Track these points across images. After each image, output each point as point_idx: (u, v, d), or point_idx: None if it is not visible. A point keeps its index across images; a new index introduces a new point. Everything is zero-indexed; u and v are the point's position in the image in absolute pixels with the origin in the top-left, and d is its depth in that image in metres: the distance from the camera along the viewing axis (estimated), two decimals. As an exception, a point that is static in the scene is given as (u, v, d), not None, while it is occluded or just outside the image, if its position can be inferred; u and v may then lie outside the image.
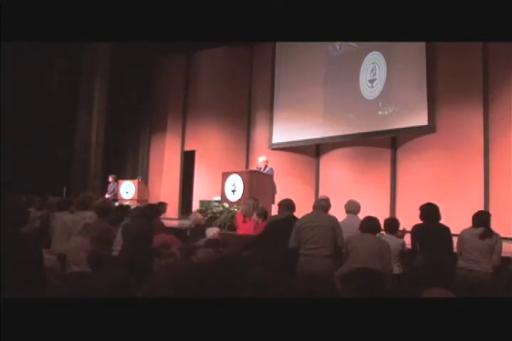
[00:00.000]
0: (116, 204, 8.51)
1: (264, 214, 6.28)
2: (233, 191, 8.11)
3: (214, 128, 12.37)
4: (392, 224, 4.97)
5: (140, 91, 13.36)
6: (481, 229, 4.36)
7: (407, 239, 4.86)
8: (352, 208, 5.30)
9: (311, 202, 5.30)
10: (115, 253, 4.72)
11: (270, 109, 11.73)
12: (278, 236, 4.82)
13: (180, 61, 13.29)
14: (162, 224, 6.21)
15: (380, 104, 9.67)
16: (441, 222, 4.61)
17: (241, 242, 5.76)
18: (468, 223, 4.49)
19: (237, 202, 7.83)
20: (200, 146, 12.59)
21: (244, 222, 6.38)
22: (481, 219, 4.46)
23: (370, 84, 9.88)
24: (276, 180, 8.46)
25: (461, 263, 4.41)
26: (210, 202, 9.27)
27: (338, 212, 5.15)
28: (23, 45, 9.92)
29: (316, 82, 10.87)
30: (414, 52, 9.04)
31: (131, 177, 12.29)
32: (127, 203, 9.83)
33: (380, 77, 9.72)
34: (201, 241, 5.10)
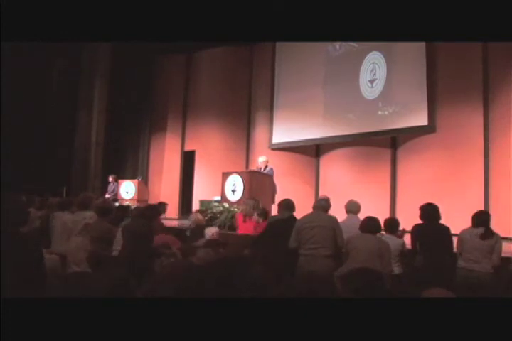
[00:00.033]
0: (117, 204, 8.51)
1: (264, 214, 6.28)
2: (233, 191, 8.11)
3: (214, 128, 12.37)
4: (392, 224, 4.97)
5: (140, 92, 13.36)
6: (480, 229, 4.36)
7: (407, 239, 4.86)
8: (352, 208, 5.30)
9: (311, 202, 5.30)
10: (115, 253, 4.72)
11: (270, 109, 11.73)
12: (278, 236, 4.82)
13: (180, 61, 13.29)
14: (162, 225, 6.21)
15: (380, 104, 9.67)
16: (441, 222, 4.61)
17: (241, 242, 5.76)
18: (468, 223, 4.49)
19: (237, 202, 7.83)
20: (200, 146, 12.59)
21: (245, 221, 6.37)
22: (481, 219, 4.46)
23: (370, 84, 9.88)
24: (276, 180, 8.46)
25: (461, 263, 4.41)
26: (210, 202, 9.27)
27: (338, 212, 5.15)
28: (23, 45, 9.92)
29: (316, 82, 10.87)
30: (414, 52, 9.04)
31: (131, 177, 12.29)
32: (127, 203, 9.83)
33: (380, 77, 9.71)
34: (200, 242, 5.10)
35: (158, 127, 13.41)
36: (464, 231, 4.51)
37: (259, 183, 8.02)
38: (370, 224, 4.39)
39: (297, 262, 4.54)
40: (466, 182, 8.43)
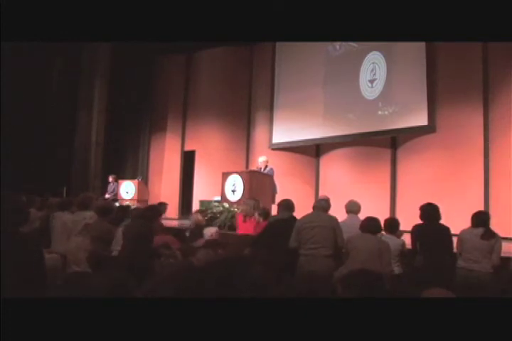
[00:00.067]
0: (117, 204, 8.51)
1: (265, 213, 6.28)
2: (233, 191, 8.11)
3: (214, 128, 12.37)
4: (392, 224, 4.97)
5: (140, 92, 13.36)
6: (480, 229, 4.36)
7: (406, 238, 4.86)
8: (352, 208, 5.30)
9: (311, 202, 5.31)
10: (115, 253, 4.71)
11: (270, 109, 11.73)
12: (278, 236, 4.82)
13: (180, 61, 13.30)
14: (161, 225, 6.20)
15: (380, 104, 9.67)
16: (441, 222, 4.61)
17: (241, 242, 5.76)
18: (468, 223, 4.50)
19: (237, 202, 7.83)
20: (200, 146, 12.59)
21: (245, 221, 6.37)
22: (481, 219, 4.47)
23: (370, 84, 9.88)
24: (276, 180, 8.46)
25: (460, 263, 4.41)
26: (210, 202, 9.27)
27: (338, 212, 5.15)
28: (23, 45, 9.92)
29: (316, 82, 10.87)
30: (414, 52, 9.04)
31: (131, 177, 12.30)
32: (127, 203, 9.84)
33: (380, 77, 9.72)
34: (199, 242, 5.10)
35: (158, 127, 13.41)
36: (463, 231, 4.51)
37: (259, 183, 8.02)
38: (370, 225, 4.40)
39: (297, 262, 4.54)
40: (466, 182, 8.44)
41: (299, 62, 11.27)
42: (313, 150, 11.39)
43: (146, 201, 11.42)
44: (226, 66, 12.38)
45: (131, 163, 13.69)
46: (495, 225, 4.61)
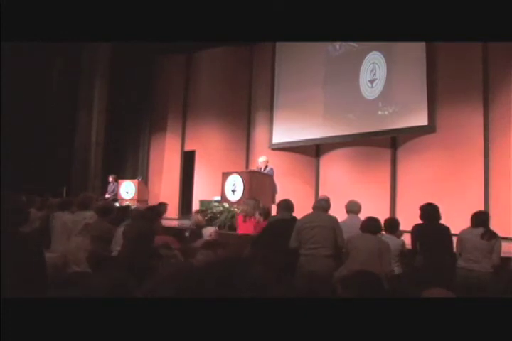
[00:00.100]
0: (117, 204, 8.51)
1: (266, 213, 6.28)
2: (233, 191, 8.11)
3: (214, 128, 12.37)
4: (392, 224, 4.97)
5: (140, 91, 13.36)
6: (480, 229, 4.36)
7: (406, 238, 4.87)
8: (353, 208, 5.30)
9: (311, 202, 5.31)
10: (115, 253, 4.71)
11: (270, 109, 11.73)
12: (278, 236, 4.82)
13: (180, 61, 13.30)
14: (161, 225, 6.20)
15: (380, 104, 9.67)
16: (441, 222, 4.61)
17: (241, 242, 5.76)
18: (468, 223, 4.50)
19: (237, 202, 7.83)
20: (200, 146, 12.59)
21: (245, 221, 6.37)
22: (480, 219, 4.47)
23: (370, 84, 9.88)
24: (276, 180, 8.46)
25: (460, 263, 4.41)
26: (210, 202, 9.27)
27: (338, 212, 5.15)
28: (23, 45, 9.92)
29: (316, 82, 10.87)
30: (414, 52, 9.04)
31: (131, 177, 12.30)
32: (127, 203, 9.85)
33: (380, 77, 9.72)
34: (198, 243, 5.10)
35: (158, 127, 13.41)
36: (463, 232, 4.52)
37: (259, 183, 8.02)
38: (370, 225, 4.40)
39: (297, 262, 4.54)
40: (466, 182, 8.44)
41: (299, 62, 11.27)
42: (313, 150, 11.38)
43: (146, 201, 11.42)
44: (226, 66, 12.38)
45: (131, 163, 13.69)
46: (495, 225, 4.61)
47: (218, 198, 8.74)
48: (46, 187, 9.49)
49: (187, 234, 6.53)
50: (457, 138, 8.55)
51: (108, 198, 10.84)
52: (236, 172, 8.25)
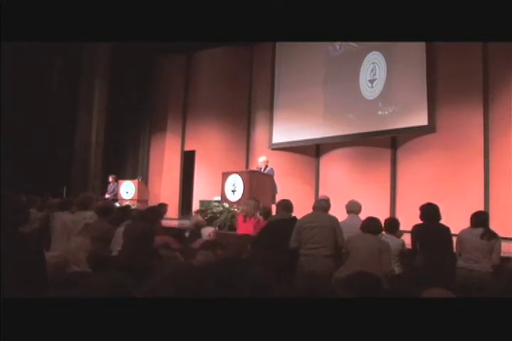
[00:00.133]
0: (117, 204, 8.51)
1: (266, 213, 6.28)
2: (233, 191, 8.11)
3: (214, 128, 12.37)
4: (392, 224, 4.97)
5: (140, 92, 13.36)
6: (480, 229, 4.36)
7: (406, 238, 4.86)
8: (353, 208, 5.30)
9: (311, 202, 5.31)
10: (115, 253, 4.71)
11: (270, 109, 11.73)
12: (278, 236, 4.82)
13: (180, 61, 13.29)
14: (161, 226, 6.19)
15: (380, 104, 9.67)
16: (441, 222, 4.61)
17: (241, 242, 5.75)
18: (468, 223, 4.50)
19: (237, 202, 7.83)
20: (200, 146, 12.59)
21: (245, 221, 6.37)
22: (480, 219, 4.47)
23: (370, 84, 9.88)
24: (276, 180, 8.46)
25: (460, 263, 4.41)
26: (210, 202, 9.27)
27: (338, 212, 5.15)
28: (23, 45, 9.92)
29: (316, 82, 10.87)
30: (414, 52, 9.04)
31: (131, 177, 12.30)
32: (127, 203, 9.85)
33: (380, 77, 9.72)
34: (197, 243, 5.10)
35: (158, 127, 13.41)
36: (463, 232, 4.52)
37: (259, 183, 8.02)
38: (371, 225, 4.40)
39: (297, 262, 4.54)
40: (466, 182, 8.43)
41: (299, 62, 11.27)
42: (313, 150, 11.38)
43: (146, 201, 11.42)
44: (226, 66, 12.38)
45: (131, 163, 13.69)
46: (495, 225, 4.62)
47: (218, 198, 8.74)
48: (46, 187, 9.49)
49: (187, 234, 6.53)
50: (457, 138, 8.55)
51: (108, 198, 10.84)
52: (236, 172, 8.25)
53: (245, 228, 6.32)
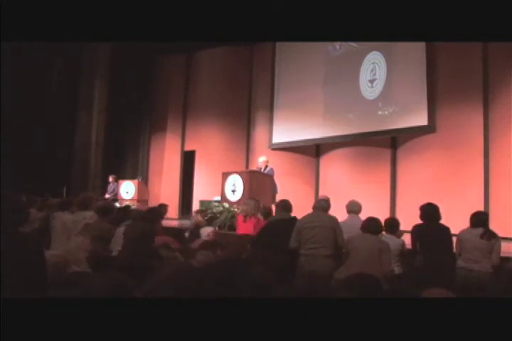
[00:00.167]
0: (117, 204, 8.51)
1: (267, 213, 6.28)
2: (233, 191, 8.11)
3: (214, 128, 12.37)
4: (392, 224, 4.97)
5: (140, 92, 13.36)
6: (480, 229, 4.36)
7: (406, 238, 4.86)
8: (353, 208, 5.30)
9: (311, 202, 5.31)
10: (115, 253, 4.71)
11: (270, 109, 11.73)
12: (278, 236, 4.82)
13: (180, 61, 13.29)
14: (161, 226, 6.19)
15: (380, 104, 9.67)
16: (441, 222, 4.61)
17: (241, 242, 5.75)
18: (468, 223, 4.50)
19: (237, 202, 7.83)
20: (200, 146, 12.59)
21: (245, 221, 6.37)
22: (479, 219, 4.47)
23: (370, 84, 9.88)
24: (276, 180, 8.46)
25: (460, 263, 4.41)
26: (210, 202, 9.27)
27: (338, 212, 5.15)
28: (23, 45, 9.92)
29: (316, 82, 10.87)
30: (414, 52, 9.04)
31: (131, 177, 12.30)
32: (127, 203, 9.84)
33: (380, 77, 9.71)
34: (196, 243, 5.10)
35: (158, 127, 13.41)
36: (463, 232, 4.52)
37: (259, 183, 8.02)
38: (371, 225, 4.40)
39: (297, 262, 4.54)
40: (466, 182, 8.43)
41: (299, 62, 11.27)
42: (313, 150, 11.38)
43: (146, 201, 11.42)
44: (226, 66, 12.38)
45: (131, 163, 13.69)
46: (495, 225, 4.62)
47: (218, 198, 8.74)
48: (46, 187, 9.48)
49: (187, 234, 6.53)
50: (457, 138, 8.54)
51: (108, 198, 10.84)
52: (236, 172, 8.25)
53: (245, 228, 6.32)
